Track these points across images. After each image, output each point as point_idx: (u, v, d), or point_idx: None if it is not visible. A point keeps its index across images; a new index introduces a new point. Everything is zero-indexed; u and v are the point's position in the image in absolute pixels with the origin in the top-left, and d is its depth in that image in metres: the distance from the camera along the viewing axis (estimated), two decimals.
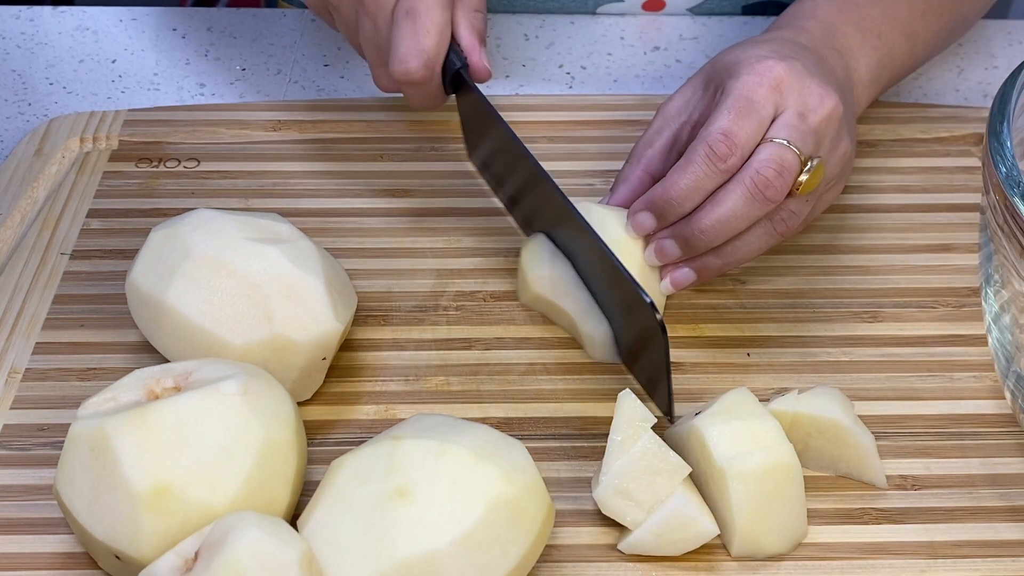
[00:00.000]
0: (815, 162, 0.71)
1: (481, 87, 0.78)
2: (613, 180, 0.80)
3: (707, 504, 0.64)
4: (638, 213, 0.72)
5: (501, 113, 0.76)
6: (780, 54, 0.73)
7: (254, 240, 0.70)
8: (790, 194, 0.71)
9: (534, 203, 0.78)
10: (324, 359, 0.70)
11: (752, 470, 0.62)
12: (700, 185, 0.70)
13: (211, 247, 0.69)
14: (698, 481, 0.65)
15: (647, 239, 0.73)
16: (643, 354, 0.71)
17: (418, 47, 0.75)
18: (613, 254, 0.70)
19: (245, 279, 0.68)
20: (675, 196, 0.71)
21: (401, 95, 0.80)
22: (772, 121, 0.71)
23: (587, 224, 0.71)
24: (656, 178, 0.76)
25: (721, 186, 0.71)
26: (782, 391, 0.70)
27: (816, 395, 0.67)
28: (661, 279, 0.73)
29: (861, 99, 0.81)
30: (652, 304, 0.67)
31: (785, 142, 0.71)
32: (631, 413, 0.64)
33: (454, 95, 0.80)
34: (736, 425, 0.64)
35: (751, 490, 0.62)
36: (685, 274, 0.73)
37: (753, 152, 0.71)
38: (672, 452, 0.63)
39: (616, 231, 0.73)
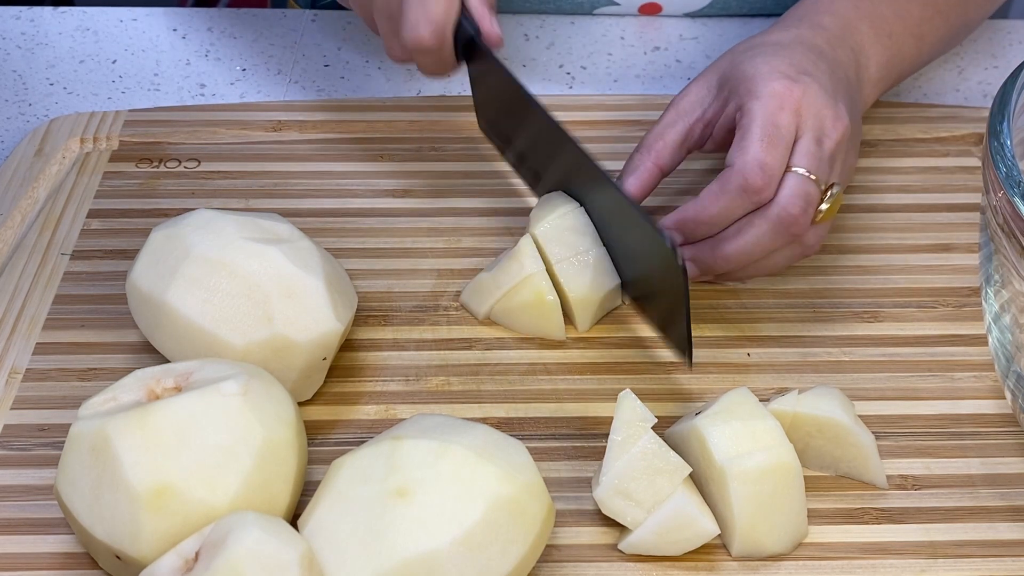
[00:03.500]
0: (835, 190, 0.73)
1: None
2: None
3: (707, 504, 0.64)
4: (665, 230, 0.73)
5: None
6: (797, 69, 0.74)
7: (254, 240, 0.70)
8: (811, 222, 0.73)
9: (548, 156, 0.79)
10: (324, 359, 0.70)
11: (753, 470, 0.62)
12: (732, 214, 0.72)
13: (211, 247, 0.69)
14: (698, 481, 0.65)
15: None
16: (660, 297, 0.72)
17: (428, 15, 0.75)
18: (631, 198, 0.72)
19: (245, 279, 0.68)
20: (705, 220, 0.72)
21: (407, 85, 0.80)
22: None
23: (603, 171, 0.72)
24: (665, 171, 0.77)
25: (748, 216, 0.72)
26: (782, 391, 0.70)
27: (816, 395, 0.67)
28: None
29: (869, 97, 0.82)
30: (674, 246, 0.68)
31: (807, 173, 0.72)
32: (631, 413, 0.64)
33: (465, 63, 0.81)
34: (736, 425, 0.63)
35: (752, 490, 0.62)
36: (688, 268, 0.73)
37: (781, 182, 0.72)
38: (672, 452, 0.63)
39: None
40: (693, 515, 0.63)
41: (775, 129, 0.72)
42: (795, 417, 0.66)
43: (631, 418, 0.64)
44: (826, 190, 0.73)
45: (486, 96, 0.84)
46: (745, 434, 0.63)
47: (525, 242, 0.74)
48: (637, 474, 0.63)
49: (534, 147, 0.80)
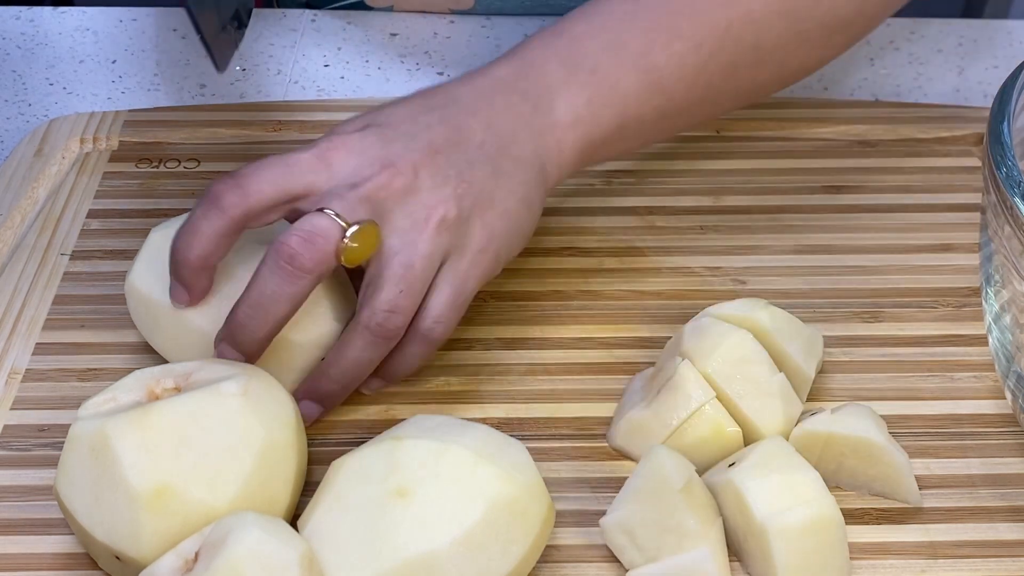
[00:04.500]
0: (355, 229, 0.65)
1: None
2: (611, 179, 0.80)
3: (743, 559, 0.63)
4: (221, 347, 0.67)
5: None
6: (368, 121, 0.69)
7: (252, 241, 0.70)
8: (369, 287, 0.67)
9: None
10: (324, 360, 0.70)
11: (795, 526, 0.60)
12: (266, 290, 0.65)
13: None
14: (733, 535, 0.63)
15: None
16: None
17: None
18: None
19: (244, 280, 0.68)
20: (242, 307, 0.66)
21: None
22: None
23: None
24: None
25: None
26: (814, 410, 0.69)
27: (848, 414, 0.66)
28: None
29: (565, 139, 0.72)
30: None
31: (323, 209, 0.65)
32: (661, 470, 0.62)
33: None
34: (775, 479, 0.62)
35: (795, 547, 0.61)
36: (309, 407, 0.69)
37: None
38: (691, 518, 0.61)
39: None
40: (710, 573, 0.61)
41: (285, 157, 0.67)
42: (829, 437, 0.66)
43: (660, 475, 0.62)
44: (349, 225, 0.65)
45: None
46: (785, 488, 0.61)
47: (686, 369, 0.67)
48: (648, 523, 0.62)
49: None
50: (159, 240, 0.71)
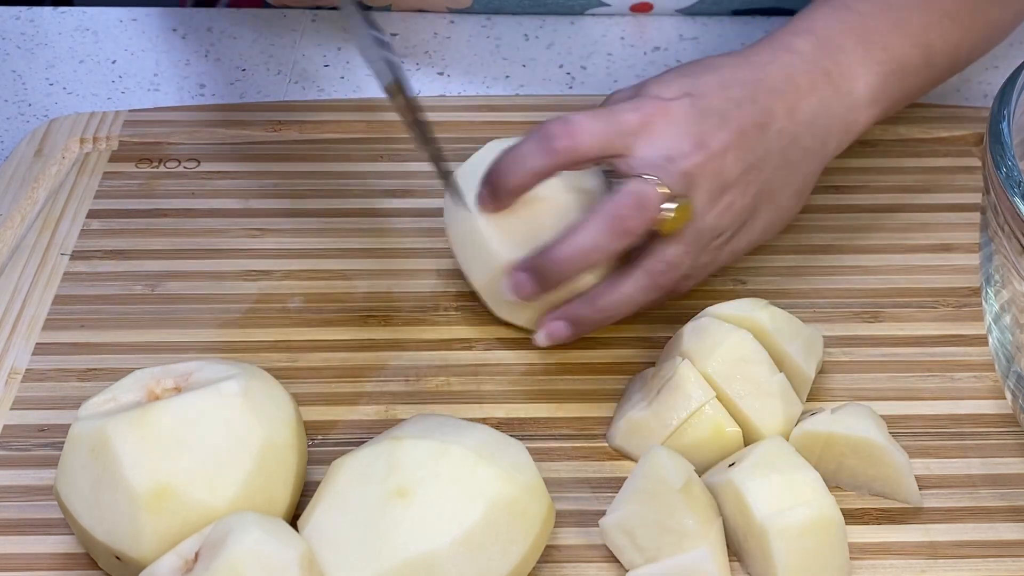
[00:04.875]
0: (680, 200, 0.70)
1: (481, 88, 0.78)
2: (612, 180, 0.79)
3: (743, 559, 0.63)
4: (516, 273, 0.71)
5: (501, 114, 0.76)
6: (683, 89, 0.72)
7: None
8: (657, 235, 0.70)
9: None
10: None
11: (795, 526, 0.60)
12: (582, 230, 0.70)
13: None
14: (733, 535, 0.63)
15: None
16: None
17: None
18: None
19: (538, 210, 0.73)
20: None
21: None
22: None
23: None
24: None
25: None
26: (814, 410, 0.69)
27: (849, 414, 0.66)
28: (537, 330, 0.73)
29: (863, 118, 0.77)
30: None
31: (647, 176, 0.69)
32: (660, 470, 0.62)
33: None
34: (775, 479, 0.62)
35: (795, 546, 0.61)
36: (559, 327, 0.72)
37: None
38: (691, 518, 0.61)
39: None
40: (709, 572, 0.61)
41: (613, 113, 0.70)
42: (829, 437, 0.66)
43: (659, 476, 0.62)
44: (671, 198, 0.69)
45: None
46: (785, 488, 0.61)
47: (686, 369, 0.67)
48: (647, 524, 0.62)
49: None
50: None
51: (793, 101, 0.74)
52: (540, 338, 0.73)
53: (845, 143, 0.78)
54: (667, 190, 0.69)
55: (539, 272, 0.70)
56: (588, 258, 0.70)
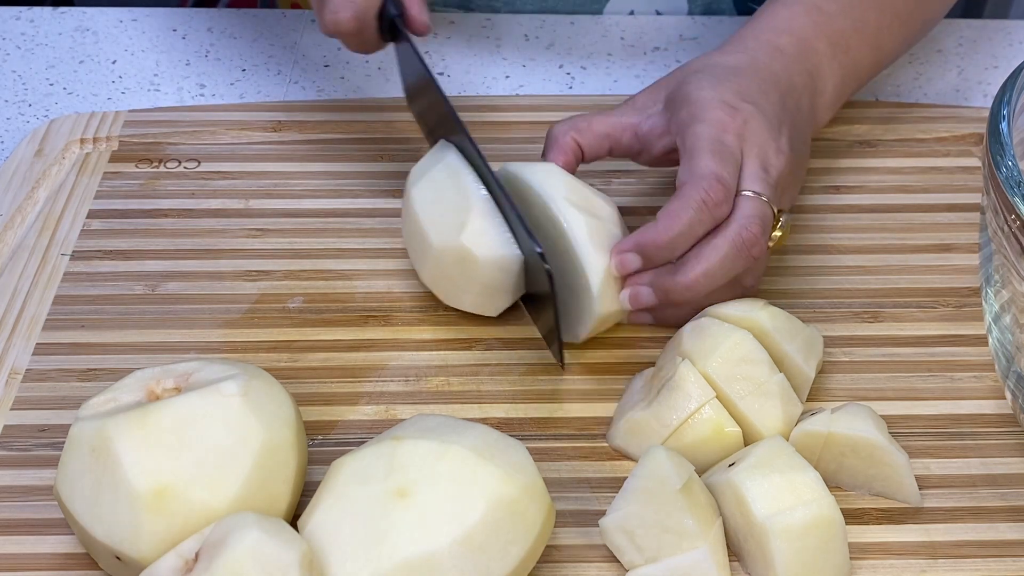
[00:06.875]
0: (785, 218, 0.73)
1: (481, 88, 0.78)
2: (611, 179, 0.80)
3: (743, 559, 0.63)
4: (625, 254, 0.70)
5: (501, 114, 0.76)
6: (742, 97, 0.73)
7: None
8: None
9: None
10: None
11: (795, 526, 0.61)
12: (693, 232, 0.70)
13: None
14: (734, 535, 0.63)
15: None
16: (541, 306, 0.72)
17: None
18: (512, 203, 0.71)
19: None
20: (665, 242, 0.70)
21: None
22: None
23: (490, 169, 0.72)
24: (584, 153, 0.77)
25: (706, 239, 0.70)
26: (814, 410, 0.69)
27: (849, 413, 0.66)
28: (621, 290, 0.72)
29: (822, 119, 0.81)
30: (542, 254, 0.68)
31: (760, 195, 0.71)
32: (660, 470, 0.62)
33: (392, 43, 0.81)
34: (776, 479, 0.62)
35: (795, 547, 0.61)
36: (644, 292, 0.71)
37: (735, 204, 0.71)
38: (690, 518, 0.61)
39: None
40: (708, 573, 0.61)
41: (723, 147, 0.71)
42: (829, 437, 0.66)
43: (659, 475, 0.62)
44: (778, 217, 0.73)
45: (407, 77, 0.84)
46: (785, 488, 0.61)
47: (686, 369, 0.67)
48: (647, 524, 0.62)
49: (435, 133, 0.80)
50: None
51: (797, 100, 0.77)
52: (623, 298, 0.72)
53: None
54: (777, 208, 0.72)
55: (666, 294, 0.71)
56: (714, 283, 0.71)
